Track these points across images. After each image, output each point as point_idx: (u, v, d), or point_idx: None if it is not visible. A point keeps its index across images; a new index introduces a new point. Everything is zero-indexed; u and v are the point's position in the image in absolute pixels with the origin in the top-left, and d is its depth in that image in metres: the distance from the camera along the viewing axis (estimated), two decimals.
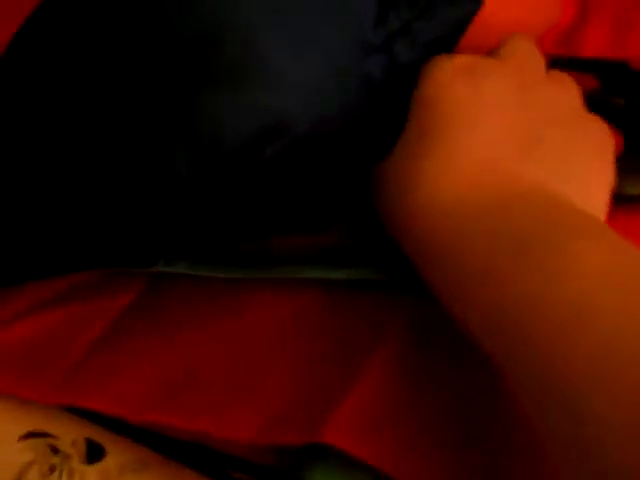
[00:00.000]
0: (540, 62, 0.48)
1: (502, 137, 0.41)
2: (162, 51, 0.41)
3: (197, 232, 0.45)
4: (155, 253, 0.47)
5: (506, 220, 0.37)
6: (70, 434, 0.46)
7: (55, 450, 0.45)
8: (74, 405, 0.45)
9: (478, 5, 0.50)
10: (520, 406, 0.37)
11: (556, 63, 0.61)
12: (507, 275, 0.35)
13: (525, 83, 0.45)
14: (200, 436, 0.43)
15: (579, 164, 0.42)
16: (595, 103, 0.56)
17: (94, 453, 0.45)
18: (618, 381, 0.29)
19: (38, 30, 0.46)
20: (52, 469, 0.44)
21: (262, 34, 0.41)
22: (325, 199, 0.46)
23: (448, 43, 0.50)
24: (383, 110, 0.46)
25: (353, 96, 0.44)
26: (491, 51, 0.47)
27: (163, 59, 0.41)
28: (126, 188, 0.42)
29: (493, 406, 0.42)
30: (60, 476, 0.44)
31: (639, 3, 0.70)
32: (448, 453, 0.39)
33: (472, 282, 0.37)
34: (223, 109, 0.40)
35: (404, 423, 0.40)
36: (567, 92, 0.47)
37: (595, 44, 0.67)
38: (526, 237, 0.36)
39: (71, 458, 0.45)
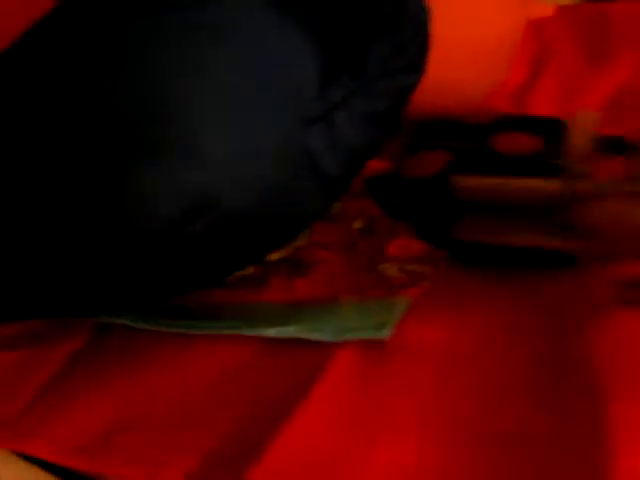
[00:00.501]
0: None
1: None
2: (98, 127, 0.42)
3: (134, 290, 0.46)
4: (97, 306, 0.48)
5: None
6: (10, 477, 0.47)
7: None
8: (16, 450, 0.46)
9: (418, 76, 0.52)
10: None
11: (505, 122, 0.64)
12: None
13: None
14: None
15: None
16: (539, 162, 0.58)
17: None
18: None
19: None
20: None
21: (194, 112, 0.42)
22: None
23: (392, 112, 0.52)
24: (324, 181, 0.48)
25: (288, 169, 0.45)
26: None
27: (99, 135, 0.42)
28: (64, 253, 0.44)
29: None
30: None
31: (586, 68, 0.72)
32: None
33: None
34: (151, 190, 0.42)
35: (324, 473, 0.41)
36: None
37: (545, 104, 0.69)
38: None
39: None
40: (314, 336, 0.48)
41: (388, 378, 0.47)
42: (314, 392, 0.45)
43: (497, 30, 0.65)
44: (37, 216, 0.43)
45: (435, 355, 0.48)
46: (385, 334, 0.48)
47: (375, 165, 0.63)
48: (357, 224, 0.59)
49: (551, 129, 0.64)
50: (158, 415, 0.46)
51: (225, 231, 0.43)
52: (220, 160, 0.42)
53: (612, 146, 0.62)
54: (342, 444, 0.43)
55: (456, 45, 0.63)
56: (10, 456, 0.48)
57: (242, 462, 0.42)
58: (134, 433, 0.46)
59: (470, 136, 0.63)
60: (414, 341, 0.49)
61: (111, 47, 0.46)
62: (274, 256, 0.55)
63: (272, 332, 0.48)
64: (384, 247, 0.56)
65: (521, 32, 0.67)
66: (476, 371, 0.47)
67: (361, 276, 0.54)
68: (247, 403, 0.46)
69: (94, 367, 0.50)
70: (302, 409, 0.45)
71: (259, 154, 0.44)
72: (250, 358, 0.49)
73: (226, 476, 0.42)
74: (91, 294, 0.47)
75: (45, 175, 0.43)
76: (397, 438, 0.44)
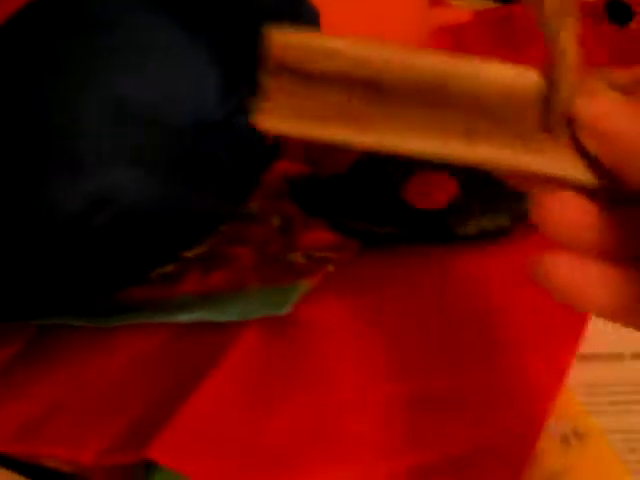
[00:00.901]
0: None
1: None
2: (14, 137, 0.47)
3: (60, 290, 0.50)
4: (28, 308, 0.52)
5: None
6: None
7: None
8: None
9: None
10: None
11: None
12: None
13: None
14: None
15: None
16: None
17: None
18: None
19: None
20: None
21: (96, 120, 0.47)
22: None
23: None
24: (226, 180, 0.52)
25: (188, 172, 0.49)
26: None
27: (19, 144, 0.47)
28: None
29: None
30: None
31: None
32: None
33: None
34: (58, 187, 0.46)
35: (224, 441, 0.45)
36: None
37: None
38: None
39: None
40: (220, 318, 0.52)
41: (290, 348, 0.51)
42: (218, 368, 0.49)
43: (400, 39, 0.68)
44: None
45: (334, 329, 0.52)
46: (284, 311, 0.52)
47: (293, 167, 0.67)
48: (275, 222, 0.63)
49: None
50: (80, 401, 0.50)
51: (128, 224, 0.47)
52: (118, 163, 0.47)
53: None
54: (243, 410, 0.47)
55: None
56: None
57: (148, 438, 0.46)
58: (60, 418, 0.50)
59: None
60: (314, 317, 0.53)
61: (27, 67, 0.51)
62: (190, 253, 0.59)
63: (181, 318, 0.52)
64: (297, 240, 0.60)
65: (426, 39, 0.71)
66: (370, 343, 0.52)
67: (270, 266, 0.58)
68: (157, 385, 0.50)
69: (30, 365, 0.54)
70: (205, 384, 0.48)
71: (158, 158, 0.48)
72: (161, 344, 0.53)
73: (133, 452, 0.46)
74: (19, 297, 0.51)
75: None
76: (301, 398, 0.48)
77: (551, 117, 0.31)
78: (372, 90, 0.31)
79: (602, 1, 0.78)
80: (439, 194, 0.59)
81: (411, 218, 0.59)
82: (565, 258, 0.31)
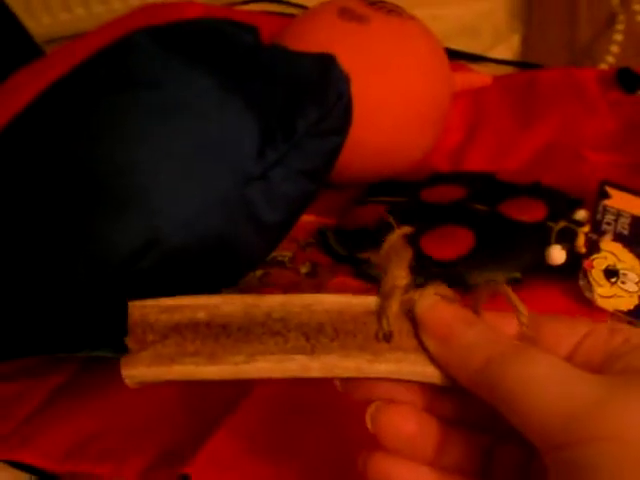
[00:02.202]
0: None
1: None
2: (71, 188, 0.52)
3: (104, 325, 0.55)
4: (78, 342, 0.57)
5: None
6: None
7: None
8: (10, 459, 0.55)
9: (343, 137, 0.60)
10: None
11: (437, 177, 0.73)
12: None
13: None
14: None
15: None
16: (462, 208, 0.67)
17: None
18: None
19: None
20: None
21: (148, 172, 0.52)
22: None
23: (322, 169, 0.60)
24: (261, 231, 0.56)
25: (229, 219, 0.54)
26: None
27: (71, 190, 0.52)
28: (46, 291, 0.52)
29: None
30: None
31: (517, 128, 0.81)
32: None
33: None
34: (112, 232, 0.51)
35: (255, 462, 0.50)
36: None
37: (479, 160, 0.78)
38: None
39: None
40: None
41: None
42: (248, 397, 0.54)
43: (424, 103, 0.74)
44: (24, 264, 0.53)
45: None
46: None
47: (323, 220, 0.72)
48: (304, 269, 0.68)
49: (477, 180, 0.73)
50: (121, 427, 0.55)
51: (170, 267, 0.52)
52: (165, 211, 0.51)
53: (533, 191, 0.71)
54: (269, 437, 0.52)
55: (391, 115, 0.73)
56: (6, 468, 0.57)
57: (184, 458, 0.50)
58: (102, 441, 0.55)
59: (405, 191, 0.73)
60: None
61: (83, 124, 0.57)
62: None
63: None
64: (323, 285, 0.65)
65: (449, 102, 0.76)
66: None
67: None
68: (189, 413, 0.55)
69: (74, 394, 0.59)
70: (236, 413, 0.53)
71: (203, 208, 0.53)
72: None
73: (171, 470, 0.50)
74: (67, 332, 0.56)
75: (27, 225, 0.53)
76: (322, 431, 0.52)
77: (384, 328, 0.35)
78: (220, 330, 0.35)
79: (613, 69, 0.84)
80: (455, 246, 0.64)
81: (427, 267, 0.63)
82: (402, 466, 0.34)
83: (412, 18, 0.74)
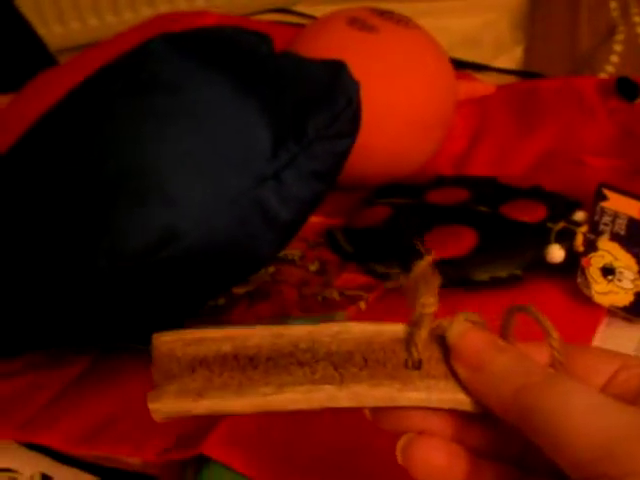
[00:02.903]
0: None
1: None
2: (94, 182, 0.56)
3: (122, 315, 0.58)
4: (98, 332, 0.60)
5: None
6: (28, 469, 0.59)
7: None
8: (31, 442, 0.58)
9: (352, 140, 0.62)
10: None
11: (441, 180, 0.76)
12: None
13: None
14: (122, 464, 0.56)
15: None
16: (465, 209, 0.70)
17: None
18: None
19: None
20: None
21: (167, 171, 0.55)
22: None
23: (332, 170, 0.62)
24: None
25: (243, 216, 0.56)
26: None
27: (92, 189, 0.55)
28: (69, 282, 0.55)
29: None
30: None
31: (518, 135, 0.84)
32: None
33: None
34: (133, 222, 0.53)
35: (271, 439, 0.52)
36: None
37: (482, 165, 0.81)
38: None
39: None
40: None
41: None
42: None
43: (430, 109, 0.77)
44: (49, 255, 0.56)
45: None
46: None
47: (331, 221, 0.75)
48: (313, 267, 0.71)
49: (480, 183, 0.76)
50: (139, 410, 0.57)
51: (186, 262, 0.54)
52: (184, 207, 0.54)
53: (534, 194, 0.74)
54: (288, 417, 0.54)
55: (398, 120, 0.75)
56: (24, 451, 0.60)
57: (201, 438, 0.53)
58: (121, 425, 0.57)
59: (410, 193, 0.76)
60: None
61: (104, 125, 0.60)
62: (240, 290, 0.67)
63: None
64: (332, 281, 0.68)
65: (453, 109, 0.79)
66: None
67: (310, 301, 0.66)
68: None
69: (93, 380, 0.62)
70: None
71: (218, 204, 0.55)
72: None
73: (189, 450, 0.53)
74: (83, 324, 0.59)
75: (50, 219, 0.56)
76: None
77: (413, 356, 0.34)
78: (247, 362, 0.34)
79: (613, 78, 0.86)
80: (458, 245, 0.67)
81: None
82: None
83: (419, 28, 0.77)
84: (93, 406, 0.59)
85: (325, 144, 0.60)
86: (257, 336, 0.34)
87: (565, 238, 0.65)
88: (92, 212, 0.55)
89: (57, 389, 0.62)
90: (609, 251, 0.65)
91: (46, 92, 0.77)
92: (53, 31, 1.16)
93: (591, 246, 0.65)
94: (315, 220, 0.70)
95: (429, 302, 0.34)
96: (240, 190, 0.56)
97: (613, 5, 0.99)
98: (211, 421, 0.54)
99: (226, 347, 0.34)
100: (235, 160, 0.57)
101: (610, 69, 0.91)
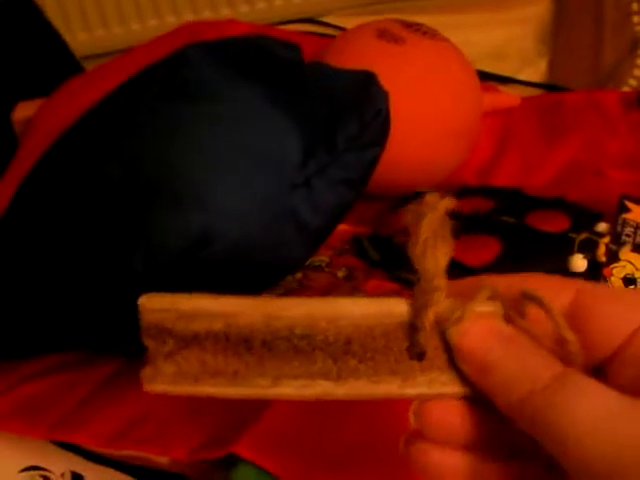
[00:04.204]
0: None
1: None
2: (131, 186, 0.57)
3: None
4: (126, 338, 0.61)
5: None
6: (59, 468, 0.60)
7: (47, 479, 0.60)
8: (63, 440, 0.60)
9: (380, 149, 0.63)
10: None
11: (466, 190, 0.77)
12: None
13: None
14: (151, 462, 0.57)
15: None
16: (490, 219, 0.71)
17: None
18: None
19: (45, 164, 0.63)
20: None
21: (202, 176, 0.56)
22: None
23: (361, 178, 0.63)
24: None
25: (274, 221, 0.58)
26: None
27: (128, 193, 0.57)
28: (106, 282, 0.56)
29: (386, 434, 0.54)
30: None
31: (543, 146, 0.85)
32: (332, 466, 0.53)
33: None
34: (170, 226, 0.55)
35: (298, 444, 0.53)
36: None
37: (506, 176, 0.82)
38: None
39: None
40: None
41: None
42: None
43: (456, 120, 0.78)
44: (84, 259, 0.57)
45: None
46: None
47: (357, 229, 0.77)
48: (341, 273, 0.72)
49: (504, 194, 0.77)
50: (168, 410, 0.59)
51: (218, 266, 0.56)
52: (218, 212, 0.55)
53: (557, 204, 0.75)
54: (314, 419, 0.55)
55: (424, 130, 0.77)
56: (55, 449, 0.61)
57: (230, 439, 0.54)
58: (151, 424, 0.59)
59: None
60: None
61: (142, 131, 0.61)
62: (269, 295, 0.68)
63: None
64: (360, 287, 0.69)
65: (479, 120, 0.80)
66: None
67: None
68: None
69: (123, 383, 0.63)
70: (276, 401, 0.57)
71: (251, 209, 0.57)
72: None
73: (219, 449, 0.54)
74: (123, 325, 0.60)
75: (88, 222, 0.57)
76: (362, 412, 0.56)
77: (418, 345, 0.31)
78: (241, 344, 0.32)
79: (635, 92, 0.87)
80: (483, 253, 0.68)
81: (457, 273, 0.67)
82: (436, 451, 0.32)
83: (446, 40, 0.78)
84: (123, 406, 0.60)
85: (355, 153, 0.61)
86: (250, 316, 0.31)
87: (588, 248, 0.66)
88: (128, 216, 0.56)
89: (89, 389, 0.63)
90: (631, 261, 0.66)
91: (75, 98, 0.79)
92: (78, 38, 1.17)
93: (613, 256, 0.66)
94: (342, 228, 0.71)
95: (437, 275, 0.32)
96: (272, 196, 0.58)
97: (636, 20, 1.00)
98: (240, 421, 0.55)
99: (217, 325, 0.32)
100: (266, 167, 0.58)
101: (633, 83, 0.92)
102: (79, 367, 0.65)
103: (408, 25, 0.77)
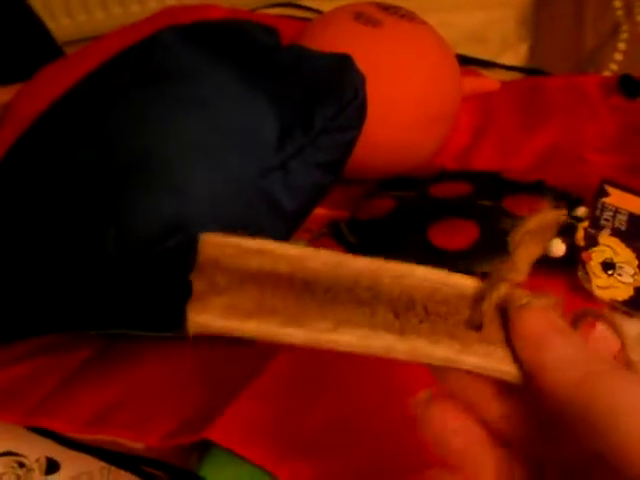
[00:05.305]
0: None
1: None
2: (105, 170, 0.56)
3: (130, 303, 0.58)
4: (106, 319, 0.61)
5: None
6: (34, 453, 0.60)
7: (22, 465, 0.59)
8: (38, 426, 0.59)
9: (357, 132, 0.63)
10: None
11: (445, 174, 0.77)
12: None
13: None
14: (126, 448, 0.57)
15: None
16: (468, 203, 0.71)
17: (51, 467, 0.59)
18: None
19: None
20: (18, 479, 0.59)
21: (175, 159, 0.56)
22: None
23: (337, 161, 0.63)
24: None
25: (250, 205, 0.57)
26: None
27: (101, 177, 0.56)
28: (77, 267, 0.56)
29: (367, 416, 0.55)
30: None
31: (522, 131, 0.85)
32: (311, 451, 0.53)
33: None
34: (142, 210, 0.54)
35: (270, 429, 0.53)
36: None
37: (485, 161, 0.82)
38: None
39: (33, 471, 0.59)
40: None
41: (324, 356, 0.60)
42: (266, 370, 0.58)
43: (434, 103, 0.78)
44: (59, 243, 0.56)
45: None
46: None
47: (335, 213, 0.76)
48: None
49: (482, 178, 0.77)
50: (144, 396, 0.59)
51: (194, 249, 0.56)
52: (192, 196, 0.55)
53: (536, 188, 0.75)
54: (286, 405, 0.55)
55: (402, 114, 0.76)
56: (31, 435, 0.60)
57: (205, 424, 0.54)
58: (125, 410, 0.58)
59: (414, 186, 0.76)
60: None
61: (114, 113, 0.60)
62: None
63: None
64: None
65: (458, 104, 0.80)
66: None
67: None
68: (212, 383, 0.58)
69: (99, 367, 0.63)
70: (254, 383, 0.56)
71: (226, 193, 0.56)
72: (218, 350, 0.61)
73: (193, 435, 0.54)
74: (96, 309, 0.60)
75: (60, 203, 0.56)
76: (332, 397, 0.56)
77: (479, 316, 0.32)
78: (304, 288, 0.31)
79: (616, 76, 0.87)
80: (461, 237, 0.67)
81: (435, 257, 0.67)
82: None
83: (424, 23, 0.78)
84: (99, 391, 0.60)
85: (331, 136, 0.61)
86: (317, 261, 0.31)
87: (567, 233, 0.66)
88: (101, 200, 0.56)
89: (64, 375, 0.63)
90: (610, 246, 0.66)
91: (53, 83, 0.78)
92: (60, 23, 1.17)
93: (592, 241, 0.66)
94: (320, 211, 0.71)
95: (520, 269, 0.32)
96: (247, 179, 0.57)
97: (617, 4, 0.99)
98: (215, 405, 0.55)
99: (282, 266, 0.31)
100: (242, 150, 0.58)
101: (614, 67, 0.92)
102: (54, 353, 0.65)
103: (385, 8, 0.77)
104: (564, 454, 0.31)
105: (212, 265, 0.31)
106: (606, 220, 0.67)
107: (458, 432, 0.33)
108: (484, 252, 0.66)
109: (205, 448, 0.53)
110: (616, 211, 0.68)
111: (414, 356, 0.31)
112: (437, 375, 0.33)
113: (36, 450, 0.61)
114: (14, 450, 0.60)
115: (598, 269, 0.64)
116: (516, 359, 0.32)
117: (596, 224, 0.67)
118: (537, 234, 0.33)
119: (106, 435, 0.57)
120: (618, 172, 0.76)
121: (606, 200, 0.69)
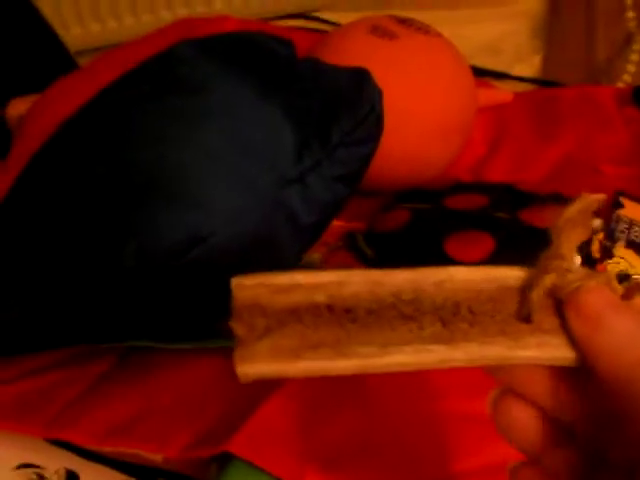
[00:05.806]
0: None
1: None
2: (120, 185, 0.56)
3: (149, 316, 0.59)
4: (124, 331, 0.61)
5: None
6: (54, 465, 0.60)
7: (41, 477, 0.59)
8: (58, 438, 0.59)
9: (374, 145, 0.63)
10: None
11: (459, 186, 0.77)
12: None
13: None
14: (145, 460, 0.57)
15: None
16: (483, 215, 0.71)
17: (70, 479, 0.59)
18: None
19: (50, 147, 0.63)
20: None
21: (195, 172, 0.56)
22: None
23: (354, 174, 0.63)
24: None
25: (268, 218, 0.57)
26: None
27: (120, 191, 0.56)
28: (96, 279, 0.56)
29: (386, 426, 0.55)
30: None
31: (537, 142, 0.85)
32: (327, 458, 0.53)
33: None
34: (162, 223, 0.55)
35: (290, 442, 0.53)
36: None
37: (500, 172, 0.82)
38: None
39: None
40: None
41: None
42: (285, 384, 0.58)
43: (449, 116, 0.78)
44: (78, 253, 0.57)
45: None
46: None
47: (351, 225, 0.77)
48: None
49: (498, 190, 0.77)
50: (162, 408, 0.59)
51: (212, 263, 0.55)
52: (212, 209, 0.55)
53: (551, 200, 0.75)
54: (305, 418, 0.55)
55: (418, 126, 0.77)
56: (50, 447, 0.61)
57: (224, 436, 0.54)
58: (146, 421, 0.58)
59: (429, 198, 0.77)
60: None
61: (134, 127, 0.61)
62: None
63: None
64: None
65: (473, 116, 0.80)
66: None
67: None
68: (231, 396, 0.58)
69: (117, 380, 0.63)
70: (273, 397, 0.56)
71: (245, 206, 0.56)
72: (228, 363, 0.61)
73: (213, 447, 0.54)
74: (114, 321, 0.60)
75: (81, 219, 0.57)
76: (351, 411, 0.56)
77: (528, 307, 0.31)
78: (345, 314, 0.30)
79: (630, 87, 0.87)
80: (477, 249, 0.68)
81: None
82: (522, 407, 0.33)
83: (439, 35, 0.78)
84: (118, 403, 0.60)
85: (348, 149, 0.61)
86: (354, 284, 0.30)
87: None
88: (120, 213, 0.56)
89: (83, 387, 0.63)
90: (624, 258, 0.66)
91: (69, 95, 0.78)
92: (72, 33, 1.16)
93: (607, 253, 0.66)
94: (336, 224, 0.71)
95: (567, 255, 0.32)
96: (265, 191, 0.58)
97: (630, 15, 0.99)
98: (234, 418, 0.55)
99: (319, 296, 0.30)
100: (260, 162, 0.58)
101: (627, 78, 0.92)
102: (73, 365, 0.65)
103: (401, 21, 0.77)
104: (626, 446, 0.30)
105: (249, 308, 0.30)
106: (621, 232, 0.68)
107: (529, 428, 0.33)
108: (500, 264, 0.66)
109: (224, 460, 0.53)
110: (631, 223, 0.68)
111: (469, 362, 0.31)
112: (495, 374, 0.33)
113: (55, 462, 0.61)
114: (33, 462, 0.60)
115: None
116: (573, 343, 0.31)
117: (611, 236, 0.67)
118: (578, 220, 0.33)
119: (126, 447, 0.57)
120: (632, 183, 0.76)
121: (621, 212, 0.69)
